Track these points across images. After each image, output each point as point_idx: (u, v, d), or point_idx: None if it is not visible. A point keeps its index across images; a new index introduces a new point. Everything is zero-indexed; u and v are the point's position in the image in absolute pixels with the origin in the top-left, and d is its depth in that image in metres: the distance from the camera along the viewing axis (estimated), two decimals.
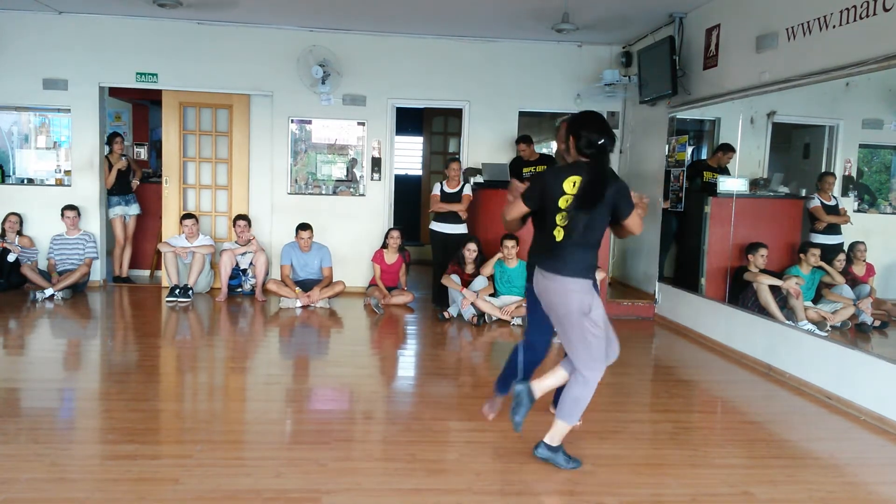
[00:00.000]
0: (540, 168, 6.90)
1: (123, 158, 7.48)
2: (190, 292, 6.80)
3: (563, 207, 3.00)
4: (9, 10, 6.93)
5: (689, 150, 6.60)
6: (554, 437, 3.16)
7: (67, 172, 7.47)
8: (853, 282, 5.15)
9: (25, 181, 7.56)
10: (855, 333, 5.00)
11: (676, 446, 3.50)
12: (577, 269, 3.03)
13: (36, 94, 7.14)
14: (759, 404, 4.40)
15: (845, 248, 5.25)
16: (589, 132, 3.02)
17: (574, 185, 2.98)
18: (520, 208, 3.13)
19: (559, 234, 3.03)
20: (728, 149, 5.93)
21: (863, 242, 5.14)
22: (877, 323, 4.99)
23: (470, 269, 6.39)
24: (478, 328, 6.03)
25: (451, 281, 6.29)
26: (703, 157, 6.70)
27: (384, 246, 6.98)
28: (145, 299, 6.96)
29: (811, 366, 4.53)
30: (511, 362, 3.49)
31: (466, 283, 6.32)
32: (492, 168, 7.12)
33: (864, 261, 5.10)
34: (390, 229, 7.04)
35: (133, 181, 7.65)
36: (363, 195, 7.68)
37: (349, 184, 7.72)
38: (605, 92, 7.20)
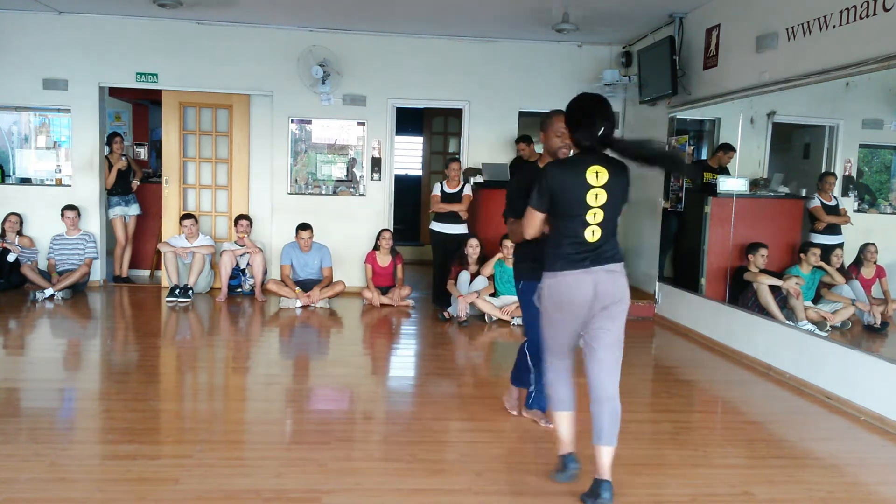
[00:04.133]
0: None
1: (123, 158, 7.48)
2: (190, 292, 6.80)
3: (593, 204, 2.72)
4: (9, 10, 6.92)
5: (689, 149, 6.60)
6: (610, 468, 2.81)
7: (58, 182, 7.47)
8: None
9: (25, 181, 7.56)
10: (861, 332, 4.99)
11: (676, 446, 3.50)
12: (620, 256, 2.85)
13: (36, 94, 7.14)
14: (759, 404, 4.40)
15: (845, 247, 5.25)
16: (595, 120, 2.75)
17: (598, 177, 2.71)
18: (536, 218, 2.84)
19: (594, 234, 2.75)
20: (728, 149, 5.93)
21: (873, 244, 5.12)
22: (877, 324, 4.99)
23: (473, 269, 6.39)
24: (463, 328, 6.03)
25: (455, 289, 6.31)
26: (703, 157, 6.70)
27: (376, 247, 6.98)
28: (145, 299, 6.96)
29: (811, 366, 4.53)
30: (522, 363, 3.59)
31: (472, 277, 6.36)
32: (492, 168, 7.12)
33: (875, 262, 5.09)
34: (382, 230, 7.04)
35: (133, 181, 7.65)
36: (363, 195, 7.68)
37: (349, 184, 7.72)
38: (606, 92, 7.19)
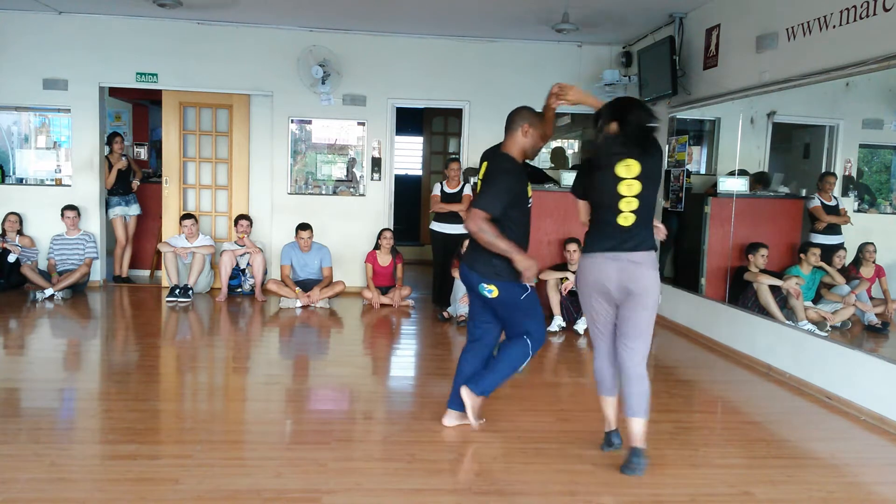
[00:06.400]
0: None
1: (123, 158, 7.49)
2: (190, 292, 6.80)
3: (625, 194, 3.02)
4: (9, 10, 6.92)
5: (689, 149, 6.58)
6: (641, 437, 3.13)
7: (58, 182, 7.47)
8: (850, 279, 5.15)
9: (25, 181, 7.56)
10: (861, 332, 5.00)
11: (676, 446, 3.50)
12: (651, 245, 3.13)
13: (36, 94, 7.14)
14: (759, 404, 4.40)
15: (845, 247, 5.25)
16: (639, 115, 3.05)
17: (629, 168, 3.00)
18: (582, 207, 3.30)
19: (628, 219, 3.05)
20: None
21: (872, 243, 5.11)
22: (878, 324, 4.99)
23: None
24: (462, 328, 6.01)
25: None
26: (704, 157, 6.70)
27: (377, 247, 6.98)
28: (145, 299, 6.96)
29: (811, 366, 4.53)
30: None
31: None
32: None
33: (874, 262, 5.09)
34: (383, 229, 7.04)
35: (133, 181, 7.65)
36: (363, 195, 7.68)
37: (349, 184, 7.72)
38: (605, 92, 7.19)
